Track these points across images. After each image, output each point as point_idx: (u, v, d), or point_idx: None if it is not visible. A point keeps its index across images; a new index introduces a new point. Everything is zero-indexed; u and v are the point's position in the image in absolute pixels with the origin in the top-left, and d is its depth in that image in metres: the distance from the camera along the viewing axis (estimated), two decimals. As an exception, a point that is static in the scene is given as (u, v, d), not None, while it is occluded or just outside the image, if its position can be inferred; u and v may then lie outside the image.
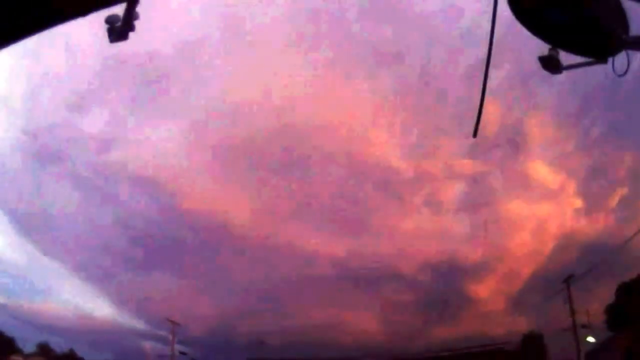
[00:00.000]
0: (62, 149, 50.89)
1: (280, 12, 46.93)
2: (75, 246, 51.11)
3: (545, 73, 3.87)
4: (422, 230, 53.89)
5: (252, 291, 51.26)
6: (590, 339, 36.04)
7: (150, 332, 48.46)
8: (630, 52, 3.53)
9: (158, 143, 51.41)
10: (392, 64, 52.18)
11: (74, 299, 51.19)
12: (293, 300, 52.71)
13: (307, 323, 51.48)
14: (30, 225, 49.67)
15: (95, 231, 52.21)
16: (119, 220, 53.10)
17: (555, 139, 52.08)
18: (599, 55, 3.64)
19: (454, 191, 54.78)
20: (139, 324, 50.79)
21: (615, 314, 37.33)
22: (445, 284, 52.54)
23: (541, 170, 50.92)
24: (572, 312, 34.52)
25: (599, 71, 3.85)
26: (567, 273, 35.50)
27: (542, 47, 3.80)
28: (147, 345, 48.37)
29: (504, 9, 3.54)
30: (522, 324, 44.39)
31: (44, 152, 50.35)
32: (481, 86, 3.87)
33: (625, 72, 3.58)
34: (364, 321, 53.18)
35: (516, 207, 52.36)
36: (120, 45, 3.83)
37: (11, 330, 42.48)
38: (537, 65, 3.86)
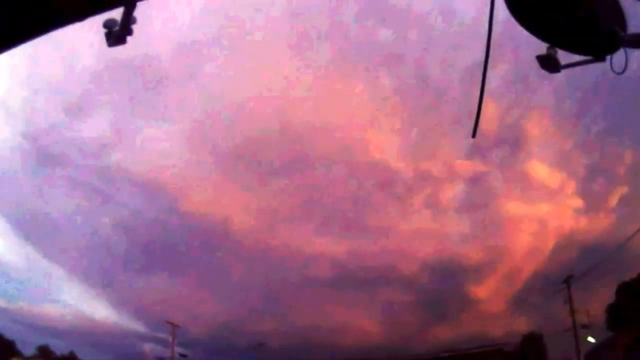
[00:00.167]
0: (61, 152, 51.00)
1: (279, 14, 47.02)
2: (75, 249, 51.12)
3: (543, 72, 3.87)
4: (421, 231, 53.94)
5: (252, 293, 51.32)
6: (591, 339, 36.04)
7: (150, 334, 48.56)
8: (628, 50, 3.53)
9: (157, 145, 51.48)
10: (392, 65, 52.28)
11: (74, 301, 51.25)
12: (293, 302, 52.76)
13: (307, 325, 51.51)
14: (30, 228, 49.72)
15: (95, 234, 52.29)
16: (118, 223, 53.13)
17: (555, 138, 52.19)
18: (597, 54, 3.64)
19: (453, 191, 54.88)
20: (139, 326, 50.82)
21: (616, 314, 37.31)
22: (445, 284, 52.60)
23: (541, 170, 51.05)
24: (572, 312, 34.51)
25: (597, 70, 3.85)
26: (567, 273, 35.54)
27: (540, 46, 3.80)
28: (147, 347, 48.38)
29: (502, 8, 3.54)
30: (522, 325, 44.42)
31: (44, 155, 50.42)
32: (479, 86, 3.87)
33: (624, 70, 3.57)
34: (363, 322, 53.19)
35: (516, 207, 52.48)
36: (119, 49, 3.84)
37: (11, 333, 42.56)
38: (535, 64, 3.86)
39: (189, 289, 52.72)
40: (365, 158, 55.10)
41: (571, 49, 3.73)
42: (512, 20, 3.56)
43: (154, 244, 54.08)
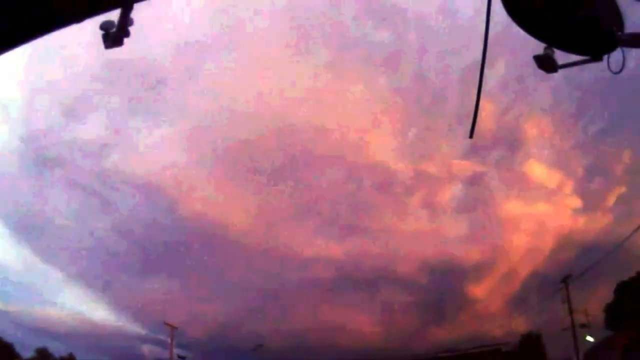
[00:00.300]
0: (59, 153, 50.87)
1: (278, 15, 47.03)
2: (73, 251, 50.99)
3: (541, 72, 3.87)
4: (420, 231, 53.94)
5: (251, 294, 51.26)
6: (589, 339, 36.08)
7: (148, 336, 48.42)
8: (625, 49, 3.54)
9: (156, 148, 51.42)
10: (390, 66, 52.32)
11: (73, 303, 51.11)
12: (292, 303, 52.70)
13: (306, 325, 51.46)
14: (28, 231, 49.60)
15: (94, 236, 52.18)
16: (117, 225, 53.05)
17: (553, 138, 52.26)
18: (595, 54, 3.64)
19: (451, 192, 54.91)
20: (138, 328, 50.71)
21: (614, 313, 37.35)
22: (444, 284, 52.58)
23: (539, 170, 51.07)
24: (571, 312, 34.55)
25: (595, 69, 3.86)
26: (565, 272, 35.59)
27: (537, 46, 3.80)
28: (146, 348, 48.28)
29: (499, 9, 3.55)
30: (520, 324, 44.43)
31: (42, 158, 50.31)
32: (477, 86, 3.87)
33: (621, 70, 3.58)
34: (362, 323, 53.19)
35: (514, 207, 52.49)
36: (116, 51, 3.83)
37: (10, 336, 42.38)
38: (533, 64, 3.86)
39: (188, 291, 52.72)
40: (365, 158, 55.19)
41: (568, 49, 3.73)
42: (510, 20, 3.56)
43: (153, 245, 54.04)
